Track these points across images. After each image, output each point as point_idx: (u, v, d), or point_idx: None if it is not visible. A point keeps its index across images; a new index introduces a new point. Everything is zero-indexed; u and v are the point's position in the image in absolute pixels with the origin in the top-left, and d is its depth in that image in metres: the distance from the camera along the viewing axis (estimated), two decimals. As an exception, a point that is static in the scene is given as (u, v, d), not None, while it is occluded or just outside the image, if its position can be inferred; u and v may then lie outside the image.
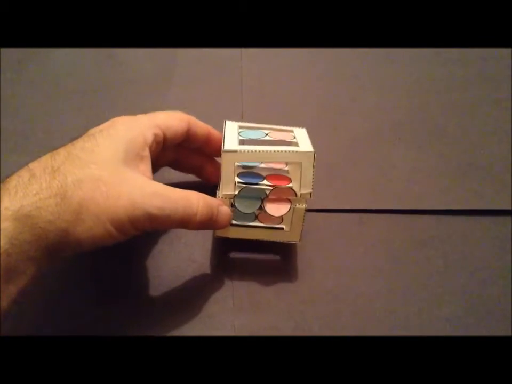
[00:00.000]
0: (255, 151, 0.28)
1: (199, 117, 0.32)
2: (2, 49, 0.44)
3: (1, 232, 0.22)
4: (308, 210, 0.30)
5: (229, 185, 0.28)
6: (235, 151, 0.28)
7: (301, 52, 0.45)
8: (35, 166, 0.24)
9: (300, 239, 0.31)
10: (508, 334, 0.31)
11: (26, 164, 0.36)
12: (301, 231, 0.31)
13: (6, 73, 0.43)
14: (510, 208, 0.36)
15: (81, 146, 0.25)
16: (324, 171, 0.37)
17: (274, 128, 0.32)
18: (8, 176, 0.24)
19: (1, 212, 0.22)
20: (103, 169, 0.25)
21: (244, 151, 0.28)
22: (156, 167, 0.30)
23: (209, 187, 0.31)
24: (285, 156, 0.28)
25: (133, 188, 0.25)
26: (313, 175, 0.28)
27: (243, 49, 0.45)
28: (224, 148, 0.28)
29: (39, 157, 0.25)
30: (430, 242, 0.35)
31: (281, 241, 0.31)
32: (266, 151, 0.28)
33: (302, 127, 0.32)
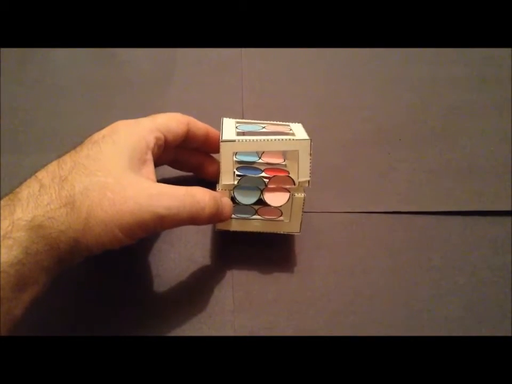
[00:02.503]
0: (253, 140, 0.28)
1: (199, 117, 0.32)
2: (2, 49, 0.44)
3: (15, 241, 0.22)
4: (307, 211, 0.29)
5: (228, 176, 0.29)
6: (233, 141, 0.28)
7: (301, 52, 0.45)
8: (43, 175, 0.25)
9: (300, 230, 0.31)
10: (508, 334, 0.31)
11: (26, 163, 0.36)
12: (301, 221, 0.31)
13: (6, 73, 0.43)
14: (510, 208, 0.36)
15: (86, 154, 0.25)
16: (323, 172, 0.37)
17: (271, 123, 0.33)
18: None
19: (15, 222, 0.22)
20: (109, 176, 0.25)
21: (242, 140, 0.28)
22: (155, 166, 0.30)
23: (209, 184, 0.31)
24: (282, 144, 0.29)
25: (138, 192, 0.25)
26: (310, 163, 0.29)
27: (243, 49, 0.45)
28: (223, 138, 0.28)
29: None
30: (430, 242, 0.35)
31: (282, 232, 0.32)
32: (264, 139, 0.28)
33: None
